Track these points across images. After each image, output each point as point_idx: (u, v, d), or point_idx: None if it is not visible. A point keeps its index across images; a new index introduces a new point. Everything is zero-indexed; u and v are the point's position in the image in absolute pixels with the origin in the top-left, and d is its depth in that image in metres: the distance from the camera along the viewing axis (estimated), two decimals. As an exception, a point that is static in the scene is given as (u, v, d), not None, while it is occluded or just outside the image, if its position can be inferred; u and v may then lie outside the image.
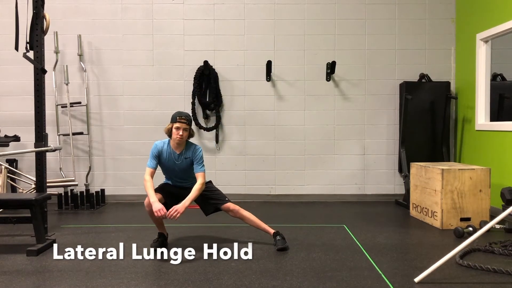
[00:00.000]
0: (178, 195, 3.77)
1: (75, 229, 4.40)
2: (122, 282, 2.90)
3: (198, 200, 3.64)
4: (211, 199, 3.77)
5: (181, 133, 3.55)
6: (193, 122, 5.78)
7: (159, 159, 3.64)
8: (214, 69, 5.79)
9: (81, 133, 5.77)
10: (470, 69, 5.50)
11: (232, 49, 5.86)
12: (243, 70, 5.86)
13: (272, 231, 3.74)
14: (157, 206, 3.40)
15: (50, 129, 5.52)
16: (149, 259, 3.38)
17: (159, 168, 3.73)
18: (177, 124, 3.55)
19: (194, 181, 3.66)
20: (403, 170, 5.56)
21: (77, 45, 5.75)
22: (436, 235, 4.10)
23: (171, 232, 4.22)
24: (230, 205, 3.73)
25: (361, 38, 5.87)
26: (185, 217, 4.95)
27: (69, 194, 5.47)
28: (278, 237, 3.67)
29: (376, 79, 5.89)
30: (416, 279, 2.85)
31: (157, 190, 3.68)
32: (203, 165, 3.67)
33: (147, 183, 3.56)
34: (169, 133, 3.61)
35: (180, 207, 3.41)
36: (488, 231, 3.79)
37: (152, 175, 3.60)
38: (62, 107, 5.78)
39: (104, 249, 3.31)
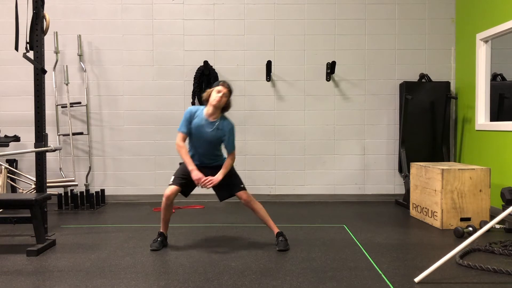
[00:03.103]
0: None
1: (75, 229, 4.40)
2: (122, 282, 2.89)
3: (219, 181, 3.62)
4: (229, 184, 3.70)
5: (221, 95, 3.51)
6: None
7: (190, 124, 3.56)
8: (214, 69, 5.79)
9: (81, 133, 5.77)
10: (470, 69, 5.50)
11: (232, 49, 5.86)
12: (243, 70, 5.86)
13: (276, 230, 3.73)
14: (197, 175, 3.44)
15: (50, 129, 5.53)
16: (149, 259, 3.39)
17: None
18: (219, 88, 3.53)
19: (216, 162, 3.65)
20: (403, 170, 5.56)
21: (77, 45, 5.75)
22: (436, 235, 4.10)
23: (171, 232, 4.22)
24: (244, 193, 3.69)
25: (361, 38, 5.87)
26: (185, 217, 4.96)
27: (69, 194, 5.47)
28: (280, 238, 3.66)
29: (376, 79, 5.89)
30: (416, 279, 2.85)
31: (178, 175, 3.64)
32: (235, 145, 3.69)
33: (182, 150, 3.52)
34: (208, 97, 3.56)
35: (215, 178, 3.47)
36: (488, 231, 3.79)
37: (184, 140, 3.55)
38: (62, 107, 5.78)
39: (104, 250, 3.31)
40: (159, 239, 3.69)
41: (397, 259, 3.36)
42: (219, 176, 3.53)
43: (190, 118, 3.56)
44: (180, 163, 3.77)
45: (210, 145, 3.63)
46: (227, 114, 3.72)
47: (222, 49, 5.86)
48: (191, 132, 3.60)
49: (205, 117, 3.58)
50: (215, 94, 3.52)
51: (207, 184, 3.50)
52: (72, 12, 5.81)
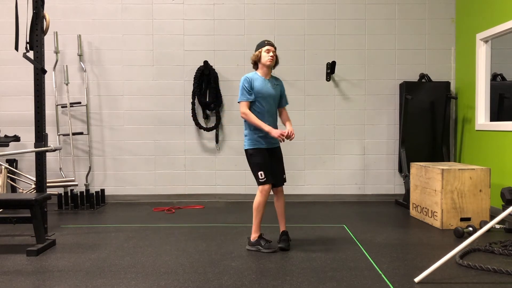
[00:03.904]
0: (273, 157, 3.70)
1: (75, 229, 4.40)
2: (122, 282, 2.89)
3: (273, 160, 3.65)
4: (281, 170, 3.75)
5: (272, 54, 3.58)
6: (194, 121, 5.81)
7: (252, 90, 3.57)
8: (214, 69, 5.79)
9: (81, 133, 5.77)
10: (470, 69, 5.50)
11: (232, 49, 5.86)
12: (243, 70, 5.84)
13: (283, 228, 3.74)
14: (277, 132, 3.49)
15: (50, 129, 5.53)
16: (149, 259, 3.39)
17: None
18: (266, 47, 3.59)
19: (277, 143, 3.69)
20: (403, 170, 5.56)
21: (77, 45, 5.75)
22: (436, 235, 4.10)
23: (170, 232, 4.24)
24: (282, 188, 3.76)
25: (361, 38, 5.87)
26: (185, 217, 4.96)
27: (69, 194, 5.47)
28: (284, 236, 3.67)
29: (376, 79, 5.89)
30: (416, 279, 2.85)
31: (266, 168, 3.56)
32: None
33: (251, 115, 3.54)
34: (257, 59, 3.62)
35: (292, 130, 3.55)
36: (488, 231, 3.80)
37: (249, 108, 3.58)
38: (62, 107, 5.78)
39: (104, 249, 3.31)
40: (266, 241, 3.58)
41: (397, 259, 3.36)
42: (292, 127, 3.62)
43: (250, 84, 3.58)
44: (251, 153, 3.65)
45: (274, 103, 3.68)
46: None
47: (222, 49, 5.86)
48: (257, 94, 3.59)
49: (263, 78, 3.63)
50: (266, 55, 3.58)
51: (291, 135, 3.51)
52: (72, 12, 5.81)
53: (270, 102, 3.63)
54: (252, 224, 3.61)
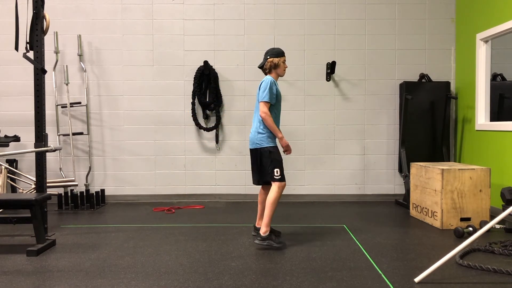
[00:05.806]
0: None
1: (75, 229, 4.40)
2: (122, 282, 2.89)
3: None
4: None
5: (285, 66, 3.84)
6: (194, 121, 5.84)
7: (275, 93, 3.71)
8: (214, 69, 5.79)
9: (81, 133, 5.77)
10: (470, 69, 5.50)
11: (232, 49, 5.86)
12: (243, 70, 5.86)
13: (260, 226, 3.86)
14: (286, 141, 3.74)
15: (50, 129, 5.54)
16: (149, 259, 3.39)
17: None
18: (284, 58, 3.79)
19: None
20: (403, 170, 5.56)
21: (77, 45, 5.76)
22: (436, 235, 4.10)
23: (170, 232, 4.24)
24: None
25: (361, 38, 5.87)
26: (185, 217, 4.97)
27: (69, 194, 5.47)
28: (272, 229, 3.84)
29: (376, 79, 5.89)
30: (416, 279, 2.85)
31: (278, 156, 3.72)
32: None
33: (270, 118, 3.65)
34: (275, 66, 3.75)
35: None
36: (488, 231, 3.80)
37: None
38: (62, 107, 5.78)
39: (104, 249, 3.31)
40: (275, 236, 3.74)
41: (397, 259, 3.36)
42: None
43: (276, 89, 3.70)
44: (271, 151, 3.69)
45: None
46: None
47: (222, 49, 5.86)
48: (275, 102, 3.74)
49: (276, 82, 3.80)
50: (283, 66, 3.79)
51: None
52: (72, 12, 5.82)
53: (280, 106, 3.84)
54: (264, 218, 3.65)
